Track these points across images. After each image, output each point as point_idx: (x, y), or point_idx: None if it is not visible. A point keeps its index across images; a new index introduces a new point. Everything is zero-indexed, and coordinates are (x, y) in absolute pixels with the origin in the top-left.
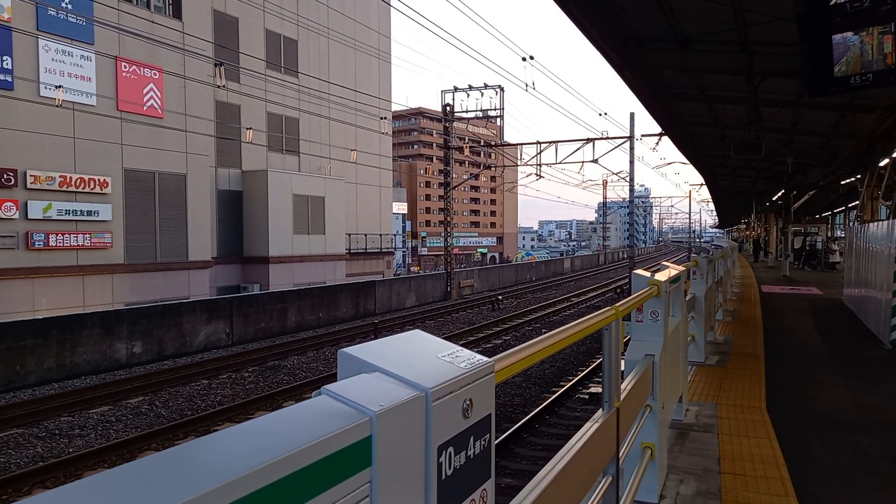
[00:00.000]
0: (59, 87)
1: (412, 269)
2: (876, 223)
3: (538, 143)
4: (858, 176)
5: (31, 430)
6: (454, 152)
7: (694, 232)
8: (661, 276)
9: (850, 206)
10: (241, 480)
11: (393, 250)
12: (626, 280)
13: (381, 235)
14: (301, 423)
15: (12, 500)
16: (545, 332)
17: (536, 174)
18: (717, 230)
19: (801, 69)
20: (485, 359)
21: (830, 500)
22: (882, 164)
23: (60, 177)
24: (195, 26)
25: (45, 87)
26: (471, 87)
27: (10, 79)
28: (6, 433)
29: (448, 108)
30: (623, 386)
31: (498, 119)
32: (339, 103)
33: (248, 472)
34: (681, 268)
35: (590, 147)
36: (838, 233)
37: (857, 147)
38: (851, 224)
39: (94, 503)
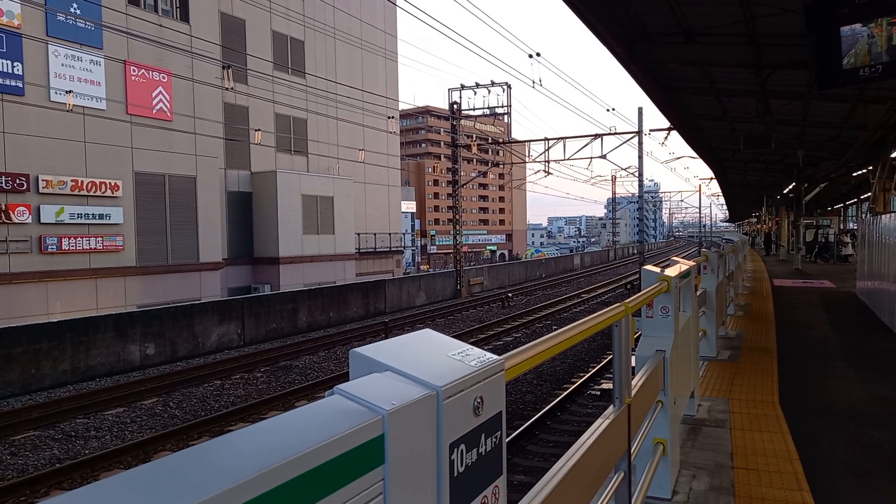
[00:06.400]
0: (70, 91)
1: (421, 267)
2: (889, 215)
3: (546, 139)
4: (870, 167)
5: (48, 433)
6: (462, 150)
7: (705, 227)
8: (671, 272)
9: (862, 197)
10: (257, 479)
11: (402, 249)
12: (637, 276)
13: (390, 234)
14: (315, 422)
15: (31, 501)
16: (555, 329)
17: (545, 171)
18: (727, 223)
19: (809, 61)
20: (495, 357)
21: (844, 493)
22: (893, 155)
23: (72, 181)
24: (202, 29)
25: (56, 92)
26: (478, 85)
27: (20, 84)
28: (23, 435)
29: (455, 106)
30: (634, 382)
31: (505, 116)
32: (347, 103)
33: (263, 470)
34: (691, 263)
35: (598, 143)
36: (850, 225)
37: (869, 138)
38: (864, 216)
39: None
